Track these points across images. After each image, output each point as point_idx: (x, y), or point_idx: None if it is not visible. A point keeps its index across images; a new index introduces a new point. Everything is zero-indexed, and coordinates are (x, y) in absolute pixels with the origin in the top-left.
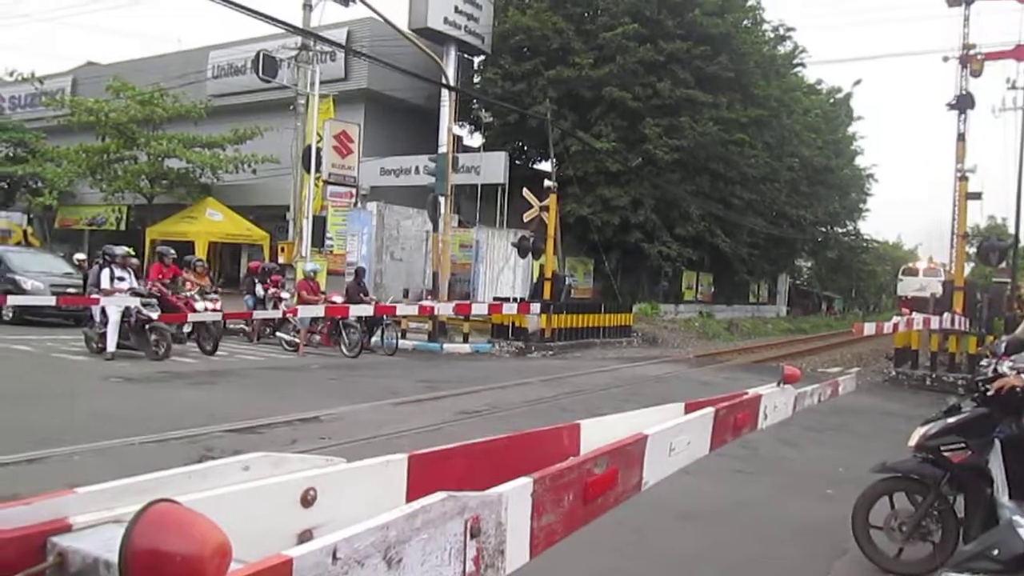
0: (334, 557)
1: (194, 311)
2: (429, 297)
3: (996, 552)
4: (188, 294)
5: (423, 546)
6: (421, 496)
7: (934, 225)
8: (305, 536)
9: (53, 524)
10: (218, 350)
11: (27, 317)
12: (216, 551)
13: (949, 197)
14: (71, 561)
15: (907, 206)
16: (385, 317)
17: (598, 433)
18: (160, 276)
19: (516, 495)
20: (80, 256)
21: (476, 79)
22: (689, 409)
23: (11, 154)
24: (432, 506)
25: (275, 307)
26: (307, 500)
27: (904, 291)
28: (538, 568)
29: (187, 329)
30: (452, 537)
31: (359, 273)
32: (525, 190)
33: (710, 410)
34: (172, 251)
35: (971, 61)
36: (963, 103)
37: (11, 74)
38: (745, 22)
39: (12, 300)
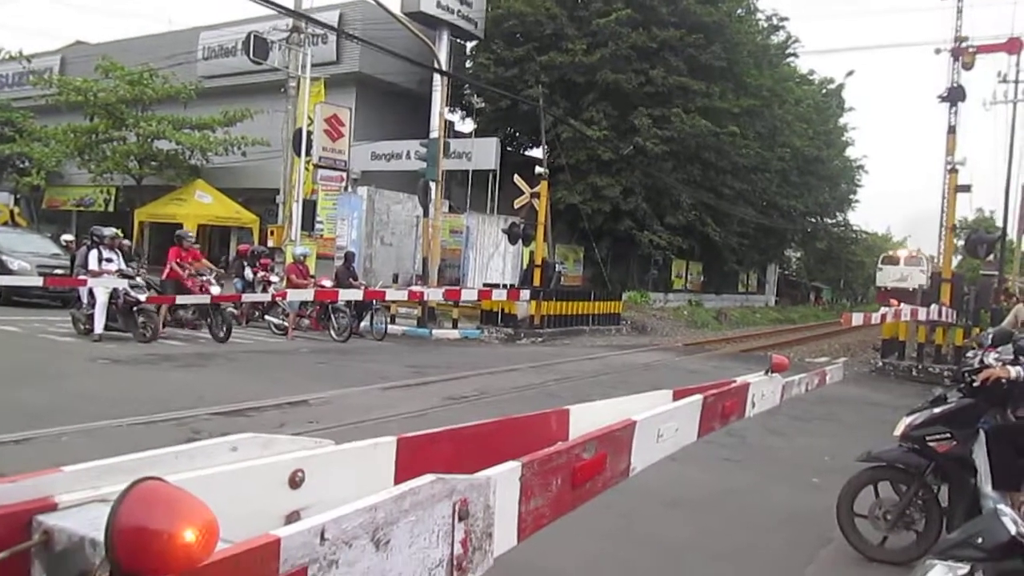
0: (322, 538)
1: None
2: (419, 282)
3: (980, 540)
4: (204, 277)
5: (411, 528)
6: (409, 479)
7: (922, 217)
8: (293, 517)
9: (38, 503)
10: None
11: (14, 298)
12: (203, 528)
13: (938, 189)
14: (57, 539)
15: (896, 198)
16: (374, 302)
17: (587, 419)
18: (179, 259)
19: (504, 479)
20: (68, 237)
21: (468, 64)
22: (677, 396)
23: None
24: (420, 488)
25: (264, 290)
26: (295, 481)
27: (883, 281)
28: (527, 552)
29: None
30: (440, 519)
31: (348, 257)
32: (516, 176)
33: (698, 397)
34: (191, 234)
35: (963, 54)
36: (954, 96)
37: None
38: (738, 11)
39: None
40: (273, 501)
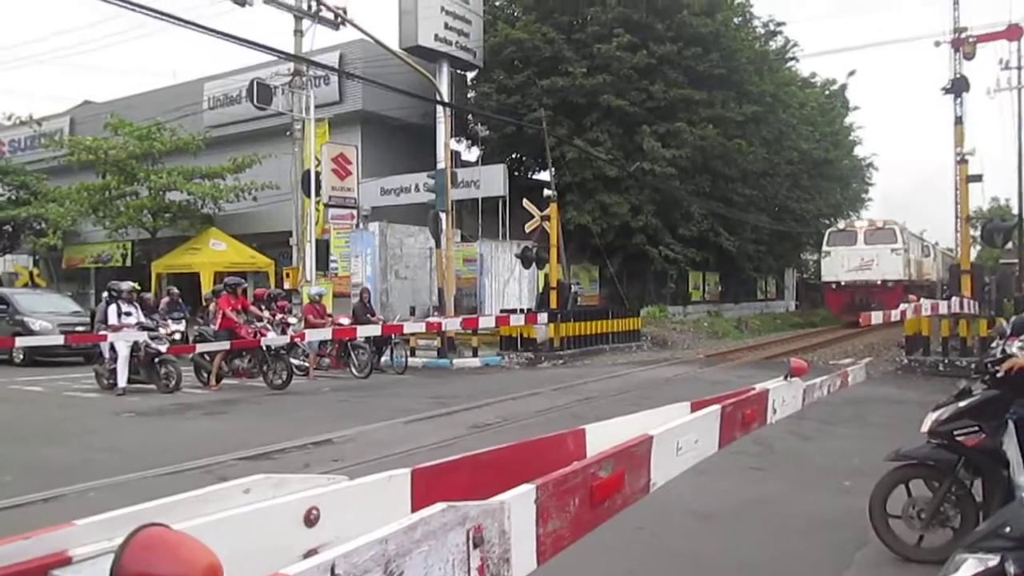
0: (332, 573)
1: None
2: (436, 313)
3: (1008, 529)
4: (260, 324)
5: (424, 558)
6: None
7: (938, 209)
8: (311, 556)
9: (53, 557)
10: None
11: (37, 358)
12: (206, 572)
13: (951, 181)
14: None
15: (911, 192)
16: (393, 336)
17: (604, 437)
18: (231, 307)
19: (519, 502)
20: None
21: (470, 94)
22: (695, 408)
23: (13, 197)
24: (432, 517)
25: (283, 332)
26: (310, 520)
27: (833, 273)
28: (552, 574)
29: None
30: (454, 548)
31: (364, 294)
32: (525, 201)
33: (716, 407)
34: (243, 281)
35: (963, 44)
36: (958, 87)
37: (9, 118)
38: (735, 20)
39: (21, 342)
40: (289, 541)
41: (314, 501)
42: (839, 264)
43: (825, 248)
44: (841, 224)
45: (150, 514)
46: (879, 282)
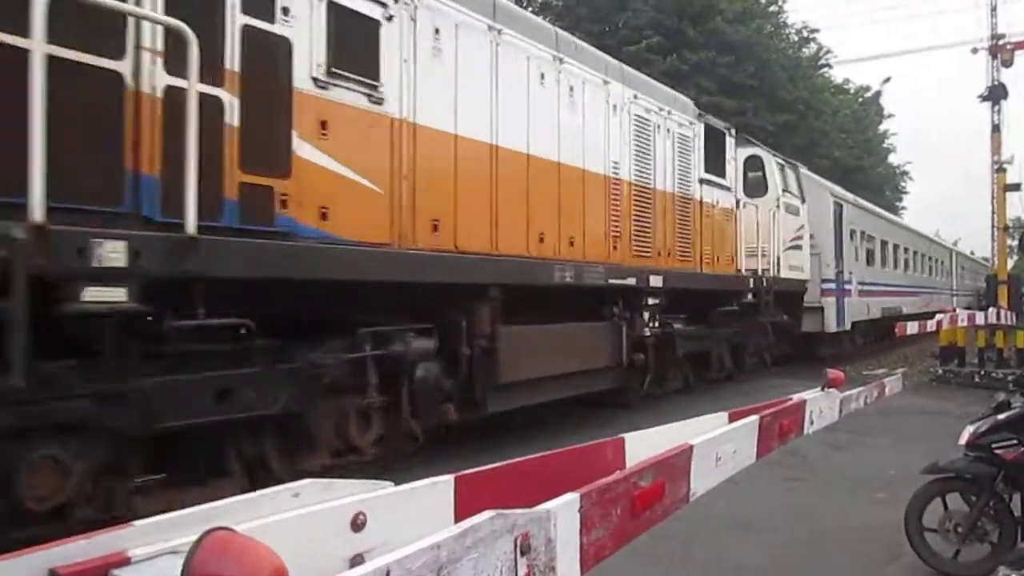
0: None
1: None
2: None
3: None
4: None
5: (474, 564)
6: (469, 515)
7: (973, 218)
8: (357, 560)
9: (113, 557)
10: None
11: None
12: (273, 575)
13: (987, 189)
14: None
15: (946, 200)
16: None
17: (642, 446)
18: None
19: (564, 511)
20: None
21: None
22: (733, 418)
23: None
24: (481, 524)
25: None
26: (357, 524)
27: None
28: None
29: None
30: (503, 555)
31: None
32: None
33: (754, 418)
34: None
35: (1001, 51)
36: (996, 94)
37: None
38: (768, 27)
39: None
40: (337, 545)
41: (361, 506)
42: None
43: None
44: None
45: (205, 515)
46: None
